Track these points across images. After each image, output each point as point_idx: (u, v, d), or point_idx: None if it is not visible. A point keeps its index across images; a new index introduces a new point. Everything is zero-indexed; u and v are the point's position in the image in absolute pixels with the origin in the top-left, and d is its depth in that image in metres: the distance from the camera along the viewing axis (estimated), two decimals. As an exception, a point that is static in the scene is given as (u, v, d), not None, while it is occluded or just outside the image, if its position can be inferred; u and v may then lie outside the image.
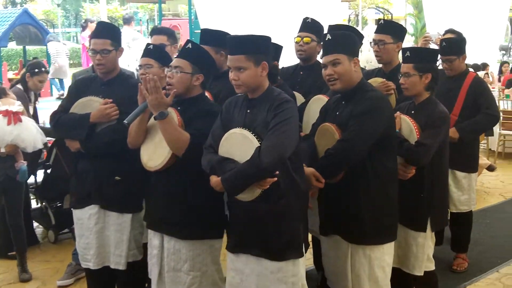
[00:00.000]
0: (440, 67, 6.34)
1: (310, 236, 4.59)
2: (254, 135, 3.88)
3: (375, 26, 6.08)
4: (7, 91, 6.55)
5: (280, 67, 5.45)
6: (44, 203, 7.60)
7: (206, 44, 5.24)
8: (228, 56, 4.05)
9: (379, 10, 37.90)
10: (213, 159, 4.04)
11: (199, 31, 6.10)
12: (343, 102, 4.37)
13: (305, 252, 4.10)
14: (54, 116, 5.05)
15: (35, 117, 7.22)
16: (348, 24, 21.95)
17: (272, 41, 4.25)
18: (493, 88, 13.35)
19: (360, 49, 5.51)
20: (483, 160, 9.21)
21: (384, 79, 5.44)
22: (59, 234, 7.58)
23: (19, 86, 7.08)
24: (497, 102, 11.29)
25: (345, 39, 4.39)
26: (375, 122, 4.16)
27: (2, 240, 6.95)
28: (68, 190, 5.74)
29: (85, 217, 5.03)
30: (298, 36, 5.65)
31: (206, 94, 4.88)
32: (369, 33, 6.99)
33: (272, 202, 3.92)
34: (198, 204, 4.38)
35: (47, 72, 7.22)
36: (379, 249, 4.32)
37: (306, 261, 4.56)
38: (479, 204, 8.34)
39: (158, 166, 4.34)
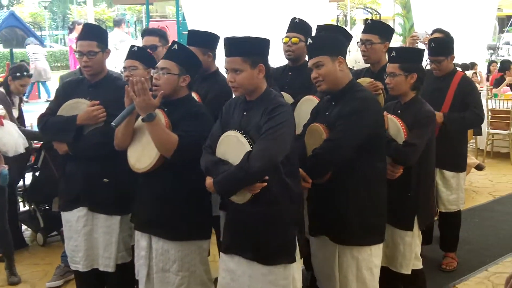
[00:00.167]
0: (428, 67, 6.36)
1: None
2: (247, 139, 3.88)
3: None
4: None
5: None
6: (32, 206, 7.57)
7: (194, 45, 5.23)
8: (225, 57, 4.04)
9: (367, 10, 38.01)
10: (208, 160, 4.05)
11: (187, 32, 6.07)
12: (332, 103, 4.36)
13: (301, 256, 4.07)
14: (42, 119, 5.03)
15: (21, 120, 7.19)
16: (336, 24, 21.95)
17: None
18: (481, 87, 13.42)
19: (348, 49, 5.51)
20: (472, 160, 9.23)
21: (372, 79, 5.45)
22: (48, 237, 7.54)
23: (1, 89, 7.03)
24: (485, 101, 11.37)
25: (325, 40, 4.41)
26: (362, 123, 4.15)
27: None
28: (56, 193, 5.72)
29: (73, 220, 5.01)
30: (286, 37, 5.63)
31: (194, 95, 4.88)
32: (357, 33, 7.00)
33: (264, 206, 3.91)
34: (186, 205, 4.40)
35: (29, 76, 7.17)
36: (367, 251, 4.32)
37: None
38: (467, 203, 8.37)
39: (146, 168, 4.33)
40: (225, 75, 5.63)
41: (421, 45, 7.43)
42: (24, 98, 20.65)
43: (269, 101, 3.94)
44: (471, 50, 14.32)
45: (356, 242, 4.29)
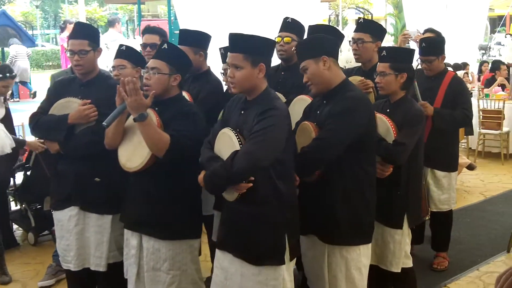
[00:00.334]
0: (419, 66, 6.37)
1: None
2: (238, 138, 3.87)
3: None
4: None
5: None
6: (23, 205, 7.56)
7: (185, 45, 5.24)
8: (228, 52, 4.04)
9: (359, 10, 38.00)
10: (205, 155, 4.07)
11: (179, 31, 6.07)
12: (324, 102, 4.36)
13: (291, 259, 4.04)
14: (33, 118, 5.02)
15: (8, 118, 7.14)
16: (328, 24, 21.97)
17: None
18: (473, 88, 13.45)
19: (339, 49, 5.51)
20: (463, 159, 9.26)
21: (363, 77, 5.45)
22: (39, 236, 7.54)
23: None
24: (476, 101, 11.40)
25: (306, 44, 4.44)
26: (352, 122, 4.14)
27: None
28: (48, 192, 5.71)
29: (65, 219, 5.01)
30: (278, 36, 5.62)
31: (185, 95, 4.87)
32: (349, 33, 7.01)
33: (252, 206, 3.91)
34: (177, 204, 4.41)
35: (12, 78, 7.13)
36: (356, 251, 4.31)
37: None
38: (459, 203, 8.39)
39: (138, 167, 4.32)
40: (217, 75, 5.66)
41: (412, 43, 7.44)
42: (15, 98, 20.80)
43: (265, 102, 3.92)
44: (463, 50, 14.39)
45: (345, 242, 4.28)
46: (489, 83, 14.15)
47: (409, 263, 5.02)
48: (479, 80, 15.68)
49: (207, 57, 5.58)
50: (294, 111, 4.98)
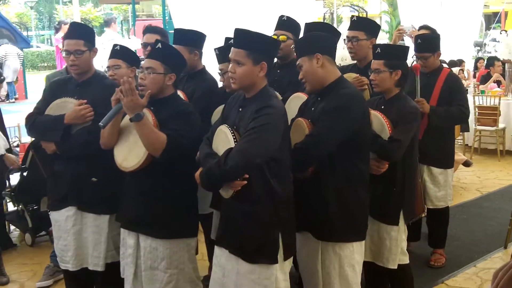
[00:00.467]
0: (415, 63, 6.36)
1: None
2: (234, 136, 3.88)
3: (351, 24, 6.07)
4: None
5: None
6: (20, 206, 7.55)
7: (180, 44, 5.24)
8: (231, 47, 4.03)
9: (354, 8, 38.05)
10: (202, 152, 4.09)
11: (173, 31, 6.06)
12: (318, 99, 4.36)
13: (285, 258, 4.03)
14: (30, 119, 5.01)
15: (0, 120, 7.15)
16: (324, 22, 21.97)
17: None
18: (468, 85, 13.45)
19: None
20: (459, 156, 9.25)
21: (358, 75, 5.45)
22: (36, 237, 7.53)
23: None
24: (472, 98, 11.40)
25: (302, 42, 4.46)
26: (345, 119, 4.13)
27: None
28: (44, 193, 5.71)
29: (62, 219, 5.00)
30: (274, 34, 5.61)
31: (180, 94, 4.87)
32: (344, 31, 7.00)
33: (246, 204, 3.92)
34: (174, 203, 4.41)
35: (1, 81, 7.13)
36: (349, 247, 4.31)
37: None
38: (455, 199, 8.39)
39: (134, 167, 4.33)
40: (212, 73, 5.66)
41: (407, 39, 7.43)
42: (10, 99, 20.81)
43: (262, 100, 3.92)
44: (458, 47, 14.40)
45: (338, 239, 4.28)
46: (484, 79, 14.17)
47: (405, 260, 5.02)
48: (474, 76, 15.70)
49: (202, 56, 5.58)
50: (290, 108, 4.98)
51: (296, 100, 4.97)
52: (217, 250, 4.23)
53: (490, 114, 11.77)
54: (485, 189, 9.83)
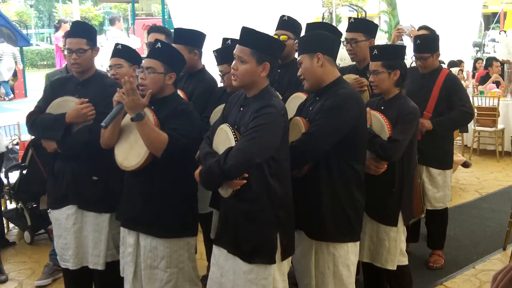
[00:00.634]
0: (414, 64, 6.36)
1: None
2: (234, 135, 3.89)
3: (350, 24, 6.06)
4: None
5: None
6: (19, 204, 7.55)
7: (180, 43, 5.24)
8: (237, 44, 4.03)
9: (353, 8, 37.98)
10: (202, 151, 4.09)
11: (173, 30, 6.05)
12: (317, 98, 4.36)
13: (282, 259, 4.03)
14: (30, 117, 5.01)
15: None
16: (326, 22, 21.96)
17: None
18: (467, 85, 13.44)
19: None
20: (458, 157, 9.25)
21: (358, 76, 5.44)
22: (35, 235, 7.53)
23: None
24: (471, 98, 11.38)
25: (305, 39, 4.45)
26: (341, 118, 4.14)
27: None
28: (43, 191, 5.70)
29: (62, 218, 5.01)
30: (275, 34, 5.60)
31: (180, 93, 4.87)
32: (342, 31, 7.00)
33: (245, 203, 3.92)
34: (174, 203, 4.42)
35: None
36: (343, 247, 4.30)
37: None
38: (454, 200, 8.40)
39: (135, 166, 4.34)
40: (212, 74, 5.65)
41: (406, 39, 7.42)
42: (6, 98, 20.79)
43: (263, 100, 3.92)
44: (457, 48, 14.38)
45: (332, 239, 4.27)
46: (483, 80, 14.16)
47: (404, 261, 5.01)
48: (473, 77, 15.69)
49: (202, 55, 5.58)
50: (289, 108, 4.98)
51: (296, 100, 4.97)
52: (216, 249, 4.23)
53: (489, 115, 11.76)
54: (484, 190, 9.82)
